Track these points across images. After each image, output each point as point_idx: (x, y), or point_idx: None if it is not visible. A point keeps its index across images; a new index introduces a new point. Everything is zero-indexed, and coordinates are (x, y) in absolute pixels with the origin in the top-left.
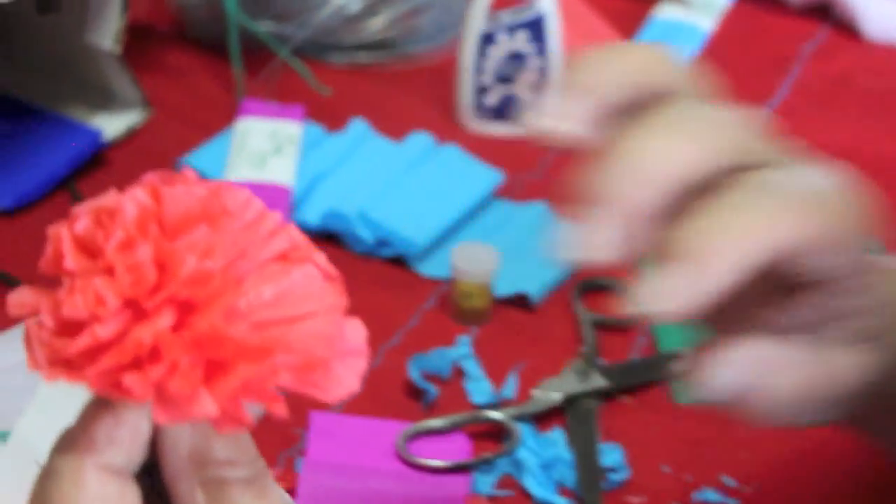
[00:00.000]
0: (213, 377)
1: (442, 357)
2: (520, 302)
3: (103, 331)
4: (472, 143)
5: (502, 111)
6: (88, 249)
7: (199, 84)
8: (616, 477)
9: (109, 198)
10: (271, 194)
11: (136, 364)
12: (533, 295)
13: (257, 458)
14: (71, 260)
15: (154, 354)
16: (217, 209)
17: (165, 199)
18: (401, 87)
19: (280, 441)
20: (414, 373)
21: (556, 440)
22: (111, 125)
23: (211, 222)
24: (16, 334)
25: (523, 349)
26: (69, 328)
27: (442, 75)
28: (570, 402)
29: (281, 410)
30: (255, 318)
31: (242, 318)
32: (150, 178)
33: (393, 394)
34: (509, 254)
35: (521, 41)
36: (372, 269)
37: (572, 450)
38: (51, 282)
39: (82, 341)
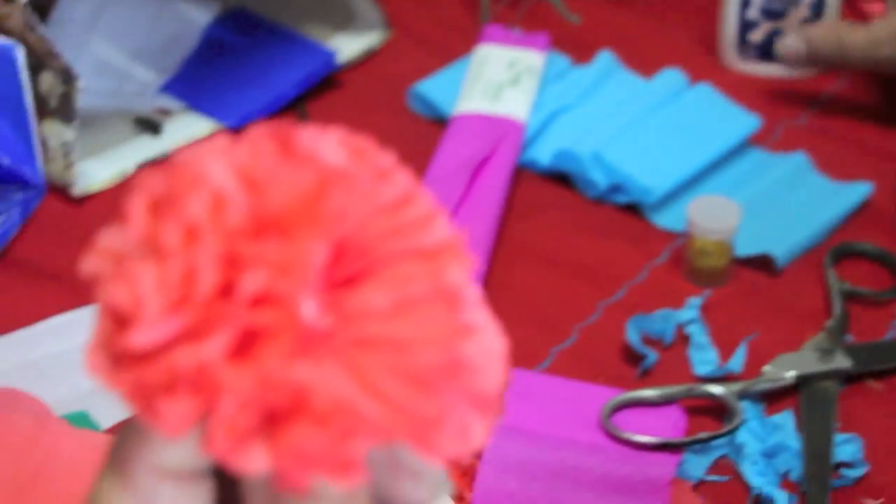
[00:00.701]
0: (273, 427)
1: (666, 319)
2: (762, 264)
3: (139, 338)
4: (731, 83)
5: (768, 49)
6: (159, 218)
7: (443, 6)
8: (851, 473)
9: (203, 154)
10: (502, 129)
11: (174, 388)
12: (778, 257)
13: (356, 494)
14: (135, 227)
15: (198, 383)
16: (324, 206)
17: (261, 182)
18: (658, 18)
19: None
20: (632, 334)
21: (785, 425)
22: (348, 46)
23: (309, 223)
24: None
25: (759, 318)
26: (116, 316)
27: (705, 7)
28: (806, 382)
29: (355, 481)
30: (355, 334)
31: (335, 336)
32: (259, 131)
33: (605, 355)
34: (756, 209)
35: None
36: (602, 215)
37: (802, 438)
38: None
39: (120, 341)
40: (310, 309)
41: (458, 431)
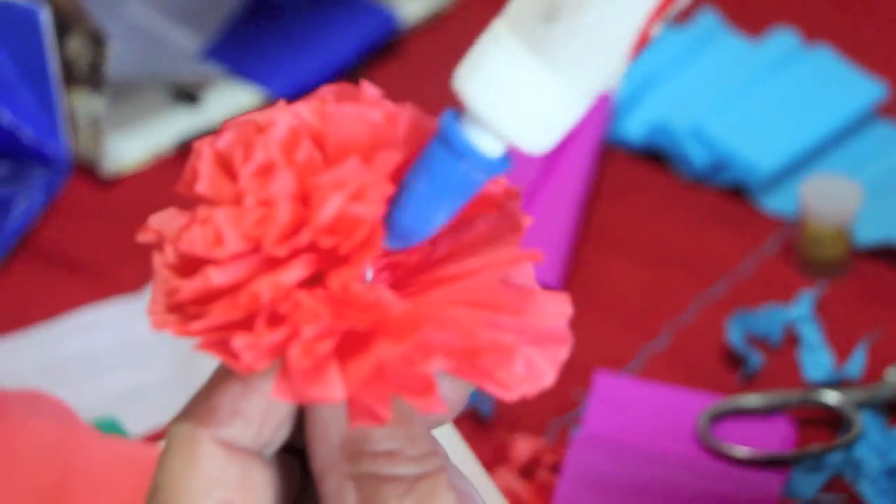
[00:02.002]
0: (349, 354)
1: (774, 317)
2: (886, 254)
3: (218, 276)
4: (854, 45)
5: None
6: (228, 171)
7: None
8: None
9: (268, 112)
10: None
11: (250, 323)
12: None
13: (431, 454)
14: (204, 182)
15: (275, 315)
16: (391, 139)
17: (328, 120)
18: None
19: (553, 405)
20: (735, 334)
21: None
22: (411, 7)
23: (378, 155)
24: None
25: (882, 315)
26: (188, 266)
27: None
28: None
29: (433, 407)
30: (422, 279)
31: (408, 280)
32: (325, 91)
33: (704, 358)
34: (880, 191)
35: None
36: (702, 199)
37: None
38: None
39: (193, 285)
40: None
41: (526, 367)
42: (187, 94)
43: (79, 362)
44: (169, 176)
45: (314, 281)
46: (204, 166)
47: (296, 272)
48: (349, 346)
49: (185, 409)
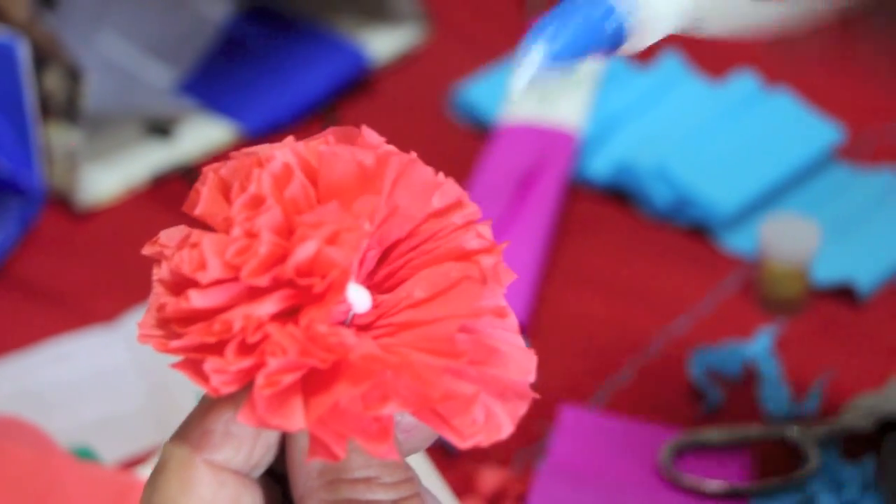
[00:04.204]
0: (313, 389)
1: (734, 353)
2: (843, 293)
3: (198, 299)
4: (812, 89)
5: None
6: (227, 198)
7: None
8: None
9: (272, 145)
10: (554, 140)
11: (223, 349)
12: (862, 286)
13: (406, 481)
14: (202, 205)
15: (245, 344)
16: (377, 184)
17: (321, 160)
18: None
19: (518, 436)
20: (696, 369)
21: (864, 474)
22: (382, 44)
23: (365, 194)
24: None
25: (839, 353)
26: (178, 285)
27: None
28: (891, 427)
29: (385, 454)
30: (397, 321)
31: (385, 320)
32: (329, 132)
33: (666, 393)
34: (837, 231)
35: None
36: (664, 237)
37: (882, 490)
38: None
39: (177, 304)
40: (357, 294)
41: (483, 417)
42: (160, 129)
43: (53, 391)
44: (142, 209)
45: (294, 313)
46: (206, 191)
47: (269, 305)
48: (314, 381)
49: (178, 432)
